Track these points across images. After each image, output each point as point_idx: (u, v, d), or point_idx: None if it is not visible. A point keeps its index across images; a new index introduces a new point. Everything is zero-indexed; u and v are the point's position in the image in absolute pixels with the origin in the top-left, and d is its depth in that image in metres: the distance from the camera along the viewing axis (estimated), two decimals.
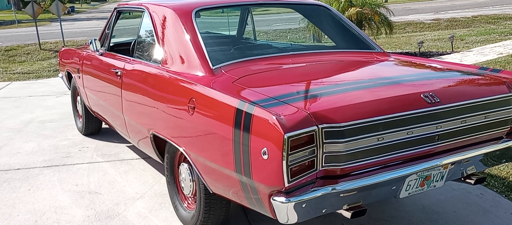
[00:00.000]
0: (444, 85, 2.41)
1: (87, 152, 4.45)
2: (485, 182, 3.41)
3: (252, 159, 2.02)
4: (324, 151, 1.97)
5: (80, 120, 5.01)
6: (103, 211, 3.21)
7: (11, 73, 9.94)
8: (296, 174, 1.93)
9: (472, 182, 2.49)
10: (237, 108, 2.12)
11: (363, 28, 9.83)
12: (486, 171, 3.61)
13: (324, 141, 1.95)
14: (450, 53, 9.41)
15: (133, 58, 3.44)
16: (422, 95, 2.19)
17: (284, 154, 1.86)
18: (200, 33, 2.86)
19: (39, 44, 14.48)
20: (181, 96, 2.62)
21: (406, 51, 10.21)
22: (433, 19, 17.46)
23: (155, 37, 3.15)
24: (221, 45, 3.41)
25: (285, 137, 1.85)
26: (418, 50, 9.47)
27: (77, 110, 5.12)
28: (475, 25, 15.86)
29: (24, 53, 14.00)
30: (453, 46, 9.90)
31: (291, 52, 3.14)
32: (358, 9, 9.22)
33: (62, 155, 4.39)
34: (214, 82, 2.51)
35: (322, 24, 3.72)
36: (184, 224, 2.92)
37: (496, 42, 10.20)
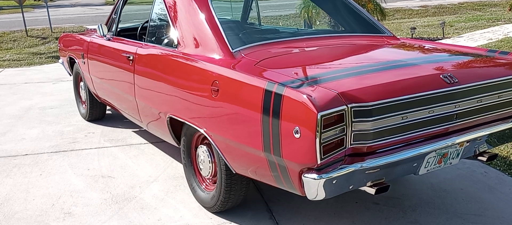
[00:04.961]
0: (460, 66, 2.50)
1: (94, 137, 4.46)
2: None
3: (283, 138, 2.09)
4: (353, 129, 2.04)
5: (84, 105, 5.01)
6: (119, 194, 3.25)
7: (1, 61, 9.79)
8: (328, 151, 2.00)
9: (484, 159, 2.60)
10: (265, 90, 2.18)
11: None
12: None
13: (353, 119, 2.03)
14: (441, 39, 9.56)
15: (145, 43, 3.45)
16: (441, 76, 2.28)
17: (317, 132, 1.93)
18: (218, 17, 2.90)
19: (26, 30, 14.24)
20: (202, 79, 2.66)
21: (399, 37, 10.35)
22: (420, 6, 17.65)
23: (169, 21, 3.17)
24: (234, 30, 3.45)
25: (319, 116, 1.91)
26: (411, 36, 9.60)
27: (80, 96, 5.10)
28: (462, 12, 16.09)
29: (10, 40, 13.74)
30: (444, 32, 10.06)
31: (304, 36, 3.20)
32: None
33: (69, 140, 4.39)
34: (236, 65, 2.56)
35: (332, 8, 3.78)
36: (203, 205, 2.98)
37: (484, 28, 10.39)
